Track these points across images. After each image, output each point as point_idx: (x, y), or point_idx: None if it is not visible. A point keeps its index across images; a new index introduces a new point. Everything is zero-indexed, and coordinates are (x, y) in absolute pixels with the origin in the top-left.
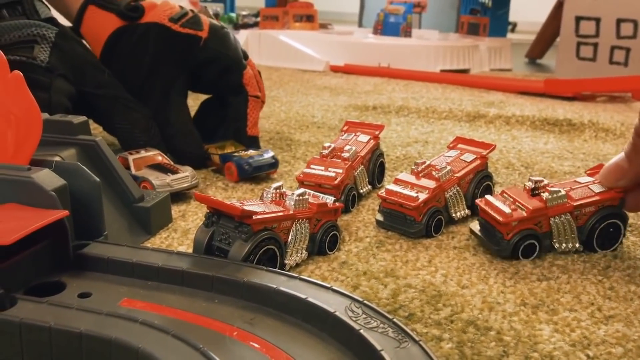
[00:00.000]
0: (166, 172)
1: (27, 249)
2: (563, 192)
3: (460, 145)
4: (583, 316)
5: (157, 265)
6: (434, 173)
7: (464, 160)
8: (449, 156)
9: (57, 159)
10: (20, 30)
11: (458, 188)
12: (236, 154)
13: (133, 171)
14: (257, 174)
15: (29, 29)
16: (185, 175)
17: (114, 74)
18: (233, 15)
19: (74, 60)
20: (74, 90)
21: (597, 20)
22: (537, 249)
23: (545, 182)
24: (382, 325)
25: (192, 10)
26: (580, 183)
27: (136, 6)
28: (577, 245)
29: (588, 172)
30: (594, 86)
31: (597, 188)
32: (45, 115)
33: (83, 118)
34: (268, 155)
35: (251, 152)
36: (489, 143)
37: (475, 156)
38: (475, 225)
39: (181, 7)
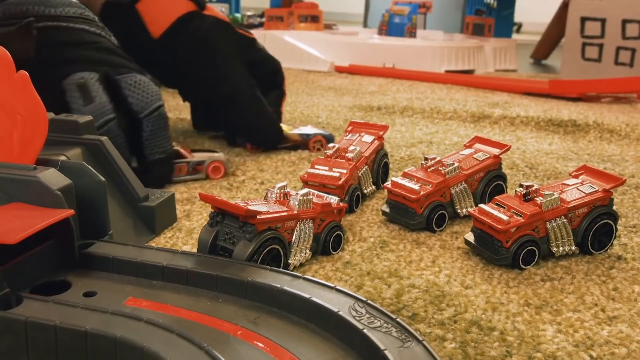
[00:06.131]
0: (206, 152)
1: (32, 248)
2: (557, 195)
3: (476, 145)
4: (586, 317)
5: (161, 265)
6: (440, 169)
7: (476, 159)
8: (462, 154)
9: (63, 158)
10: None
11: (465, 185)
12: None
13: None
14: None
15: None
16: (218, 153)
17: (173, 52)
18: (238, 15)
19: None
20: None
21: (603, 21)
22: (537, 255)
23: (536, 186)
24: (385, 324)
25: None
26: (568, 185)
27: None
28: (574, 247)
29: (572, 173)
30: (599, 87)
31: (587, 189)
32: (51, 115)
33: (88, 117)
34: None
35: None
36: (505, 144)
37: (487, 155)
38: (469, 236)
39: None
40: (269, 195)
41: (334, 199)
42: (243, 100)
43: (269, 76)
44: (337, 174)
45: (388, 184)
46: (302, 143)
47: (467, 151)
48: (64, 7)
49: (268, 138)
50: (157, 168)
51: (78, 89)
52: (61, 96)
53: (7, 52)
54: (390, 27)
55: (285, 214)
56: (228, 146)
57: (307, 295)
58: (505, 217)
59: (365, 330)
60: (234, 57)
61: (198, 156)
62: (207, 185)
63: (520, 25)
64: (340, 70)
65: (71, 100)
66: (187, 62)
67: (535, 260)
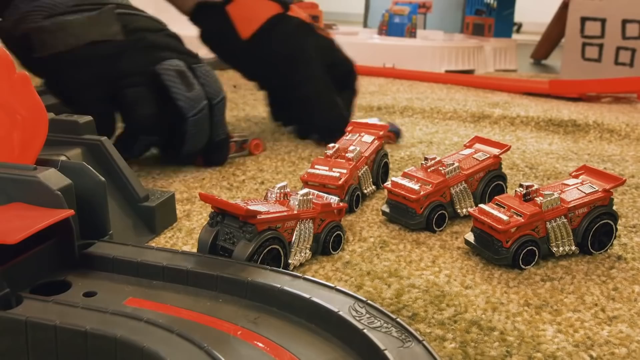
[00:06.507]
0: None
1: (32, 248)
2: (557, 195)
3: (476, 145)
4: (586, 317)
5: (161, 265)
6: (440, 169)
7: (476, 159)
8: (462, 154)
9: (63, 158)
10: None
11: (465, 185)
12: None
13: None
14: None
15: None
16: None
17: (260, 52)
18: None
19: None
20: None
21: (603, 21)
22: (537, 255)
23: (536, 186)
24: (385, 324)
25: None
26: (568, 185)
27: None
28: (574, 247)
29: (572, 173)
30: (599, 87)
31: (587, 189)
32: (51, 115)
33: (88, 118)
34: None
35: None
36: (505, 144)
37: (487, 155)
38: (469, 236)
39: None
40: (269, 195)
41: (334, 199)
42: (321, 102)
43: (343, 76)
44: (337, 174)
45: (388, 184)
46: None
47: (467, 151)
48: None
49: (340, 124)
50: (222, 147)
51: (178, 75)
52: (154, 78)
53: (7, 52)
54: (390, 27)
55: (285, 214)
56: (298, 140)
57: (307, 295)
58: (505, 217)
59: (365, 330)
60: (316, 60)
61: (237, 136)
62: (207, 185)
63: (520, 25)
64: None
65: (173, 85)
66: (273, 62)
67: (535, 260)
